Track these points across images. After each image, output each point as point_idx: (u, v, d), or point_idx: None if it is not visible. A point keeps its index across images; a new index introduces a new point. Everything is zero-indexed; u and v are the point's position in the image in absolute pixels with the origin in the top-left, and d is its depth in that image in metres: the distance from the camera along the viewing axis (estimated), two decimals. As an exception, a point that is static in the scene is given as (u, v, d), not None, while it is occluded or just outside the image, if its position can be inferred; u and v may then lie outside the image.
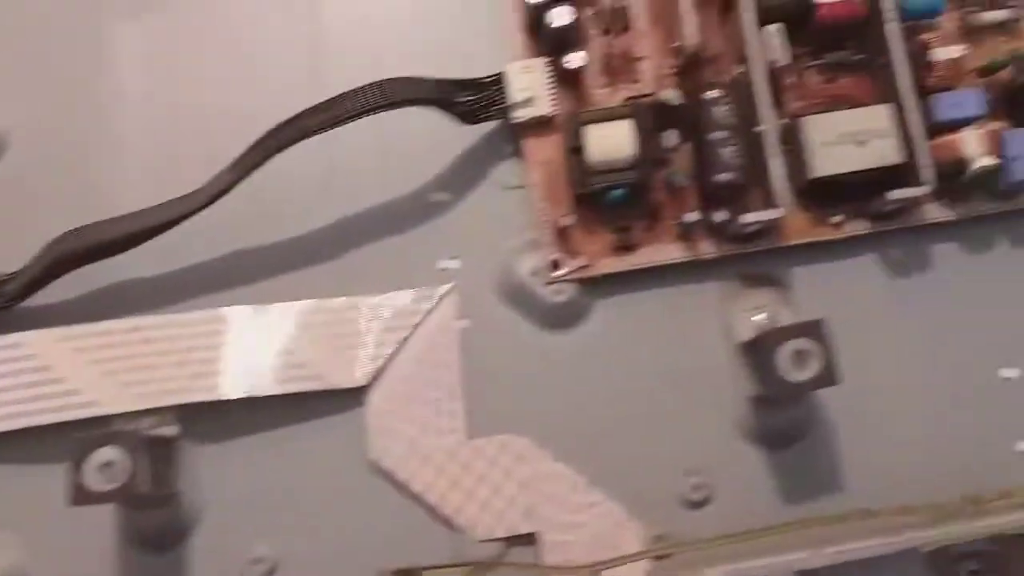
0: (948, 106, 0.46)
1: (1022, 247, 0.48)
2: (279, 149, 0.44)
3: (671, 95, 0.46)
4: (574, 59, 0.46)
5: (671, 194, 0.47)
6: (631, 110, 0.46)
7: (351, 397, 0.47)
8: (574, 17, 0.46)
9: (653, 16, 0.49)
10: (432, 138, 0.48)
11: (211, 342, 0.46)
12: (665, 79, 0.48)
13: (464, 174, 0.49)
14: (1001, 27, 0.49)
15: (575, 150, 0.45)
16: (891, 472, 0.46)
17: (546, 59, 0.47)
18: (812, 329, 0.42)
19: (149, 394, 0.45)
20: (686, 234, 0.47)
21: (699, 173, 0.46)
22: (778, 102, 0.48)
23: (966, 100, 0.46)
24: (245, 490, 0.46)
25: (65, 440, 0.42)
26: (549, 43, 0.48)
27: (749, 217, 0.45)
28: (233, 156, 0.45)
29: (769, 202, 0.45)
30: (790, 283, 0.48)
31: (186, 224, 0.46)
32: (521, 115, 0.47)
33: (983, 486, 0.46)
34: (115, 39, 0.51)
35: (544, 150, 0.47)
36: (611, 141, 0.45)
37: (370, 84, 0.44)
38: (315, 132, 0.44)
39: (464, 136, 0.49)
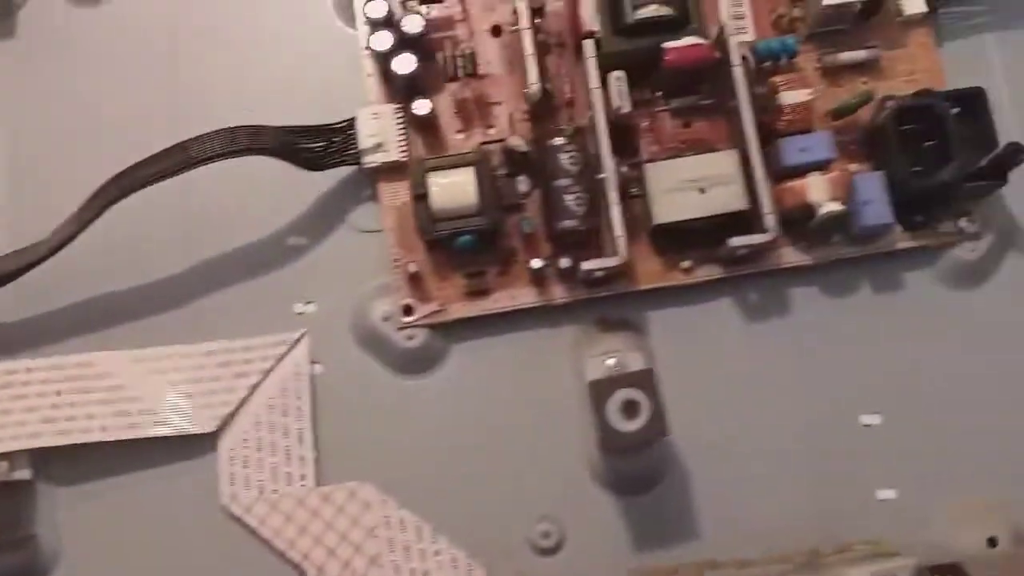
0: (796, 150, 0.45)
1: (880, 291, 0.48)
2: (117, 199, 0.44)
3: (517, 142, 0.46)
4: (420, 106, 0.47)
5: (523, 240, 0.47)
6: (475, 157, 0.46)
7: (204, 442, 0.47)
8: (416, 65, 0.46)
9: (508, 61, 0.49)
10: (291, 182, 0.48)
11: (63, 387, 0.47)
12: (519, 125, 0.48)
13: (322, 218, 0.49)
14: (861, 67, 0.48)
15: (420, 197, 0.45)
16: (748, 521, 0.46)
17: (396, 105, 0.47)
18: (642, 379, 0.42)
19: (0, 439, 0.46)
20: (539, 279, 0.47)
21: (546, 219, 0.46)
22: (634, 148, 0.48)
23: (814, 144, 0.45)
24: (101, 534, 0.47)
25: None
26: (401, 90, 0.48)
27: (590, 264, 0.45)
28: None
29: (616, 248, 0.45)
30: (646, 328, 0.48)
31: (39, 271, 0.46)
32: (370, 161, 0.47)
33: (843, 535, 0.46)
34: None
35: (397, 195, 0.47)
36: (454, 188, 0.45)
37: (210, 133, 0.45)
38: (153, 181, 0.44)
39: (323, 180, 0.49)
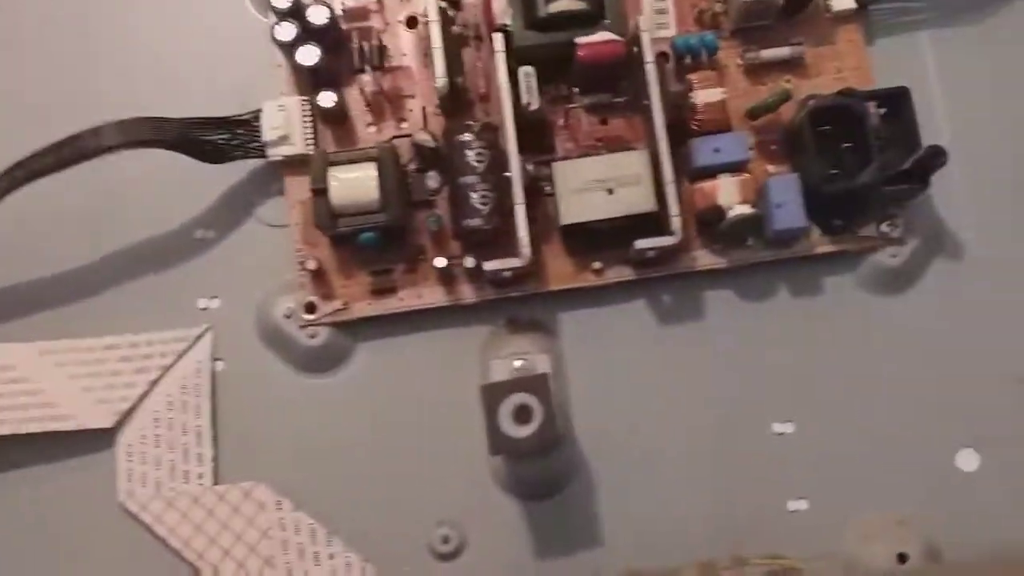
0: (709, 151, 0.44)
1: (798, 296, 0.46)
2: (10, 190, 0.43)
3: (424, 137, 0.45)
4: (325, 98, 0.45)
5: (432, 238, 0.46)
6: (378, 152, 0.44)
7: (103, 438, 0.46)
8: (320, 57, 0.45)
9: (424, 54, 0.47)
10: (199, 173, 0.47)
11: (-40, 379, 0.46)
12: (432, 119, 0.47)
13: (229, 211, 0.48)
14: (786, 65, 0.47)
15: (320, 192, 0.44)
16: (655, 528, 0.45)
17: (303, 98, 0.46)
18: (536, 384, 0.41)
19: None
20: (447, 278, 0.46)
21: (453, 217, 0.45)
22: (550, 145, 0.47)
23: (728, 144, 0.44)
24: (-1, 529, 0.46)
25: None
26: (309, 81, 0.46)
27: (492, 264, 0.43)
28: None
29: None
30: (556, 329, 0.46)
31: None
32: (274, 154, 0.46)
33: (753, 547, 0.44)
34: None
35: (303, 189, 0.46)
36: (356, 183, 0.44)
37: (107, 124, 0.44)
38: (47, 172, 0.43)
39: (231, 172, 0.48)
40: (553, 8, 0.45)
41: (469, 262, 0.44)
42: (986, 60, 0.48)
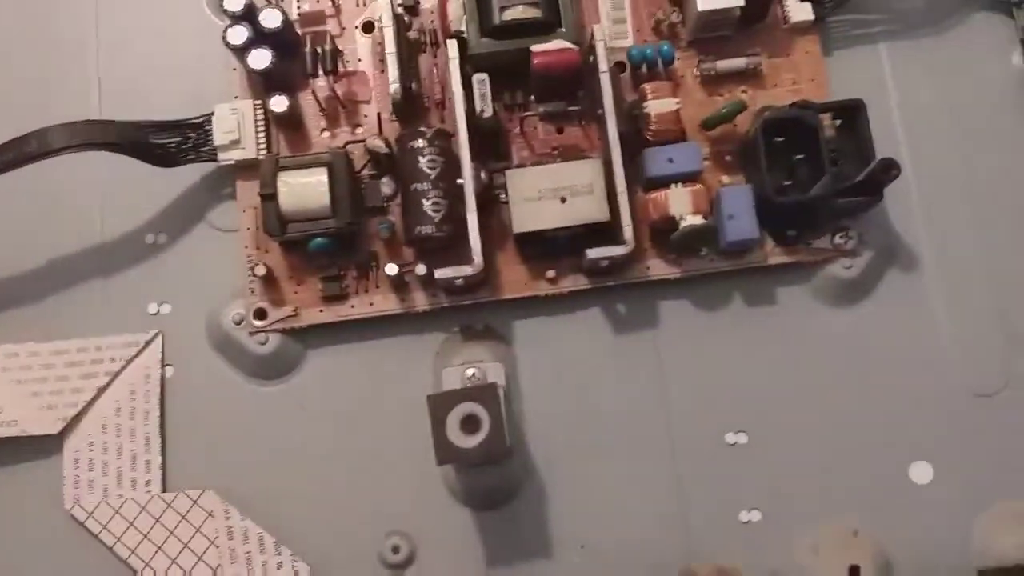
0: (663, 161, 0.44)
1: (752, 307, 0.46)
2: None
3: (376, 143, 0.45)
4: (277, 102, 0.45)
5: (384, 244, 0.46)
6: (329, 157, 0.44)
7: (50, 444, 0.45)
8: (271, 61, 0.44)
9: (380, 59, 0.47)
10: (150, 176, 0.46)
11: (-95, 384, 0.45)
12: (388, 125, 0.47)
13: (181, 215, 0.47)
14: (742, 76, 0.46)
15: (268, 197, 0.44)
16: (606, 539, 0.44)
17: (255, 102, 0.46)
18: (485, 394, 0.40)
19: None
20: (400, 285, 0.45)
21: (405, 224, 0.44)
22: (506, 152, 0.46)
23: (681, 155, 0.44)
24: (-61, 537, 0.45)
25: None
26: (261, 85, 0.46)
27: (443, 272, 0.43)
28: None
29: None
30: (510, 337, 0.46)
31: None
32: (226, 158, 0.45)
33: (705, 557, 0.44)
34: None
35: (255, 194, 0.46)
36: (306, 189, 0.44)
37: (54, 126, 0.43)
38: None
39: (184, 176, 0.47)
40: (508, 16, 0.45)
41: (420, 269, 0.44)
42: (941, 72, 0.48)
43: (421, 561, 0.44)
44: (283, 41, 0.45)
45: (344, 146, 0.46)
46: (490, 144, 0.46)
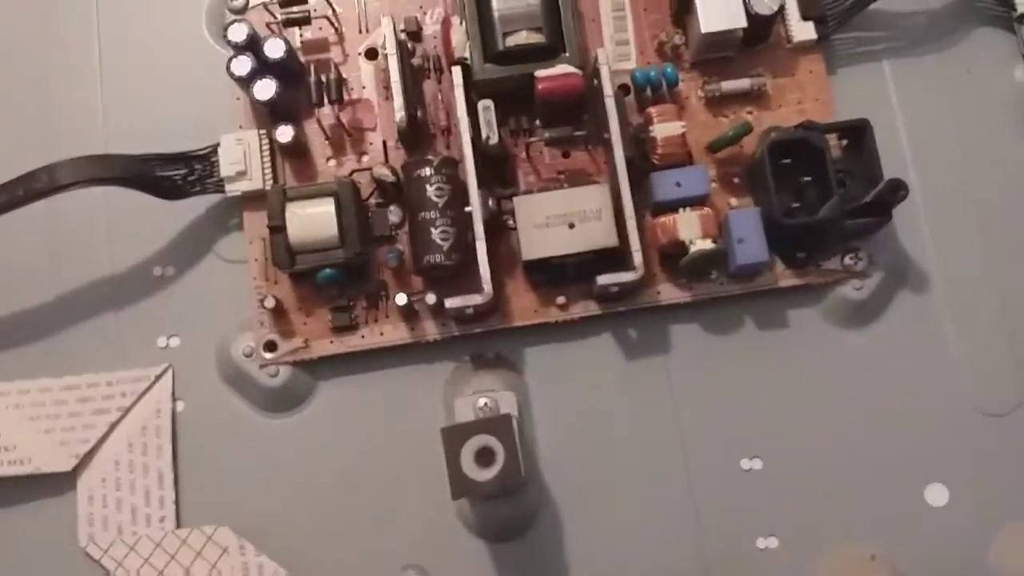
0: (670, 185, 0.44)
1: (763, 330, 0.46)
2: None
3: (383, 171, 0.45)
4: (283, 132, 0.45)
5: (392, 273, 0.45)
6: (336, 187, 0.44)
7: (63, 481, 0.45)
8: (275, 91, 0.44)
9: (384, 86, 0.47)
10: (157, 208, 0.46)
11: (-85, 424, 0.45)
12: (393, 152, 0.46)
13: (189, 247, 0.47)
14: (747, 97, 0.46)
15: (277, 229, 0.44)
16: (623, 568, 0.44)
17: (260, 132, 0.46)
18: (499, 426, 0.40)
19: None
20: (409, 314, 0.45)
21: (413, 253, 0.44)
22: (512, 178, 0.46)
23: (688, 178, 0.44)
24: (-48, 576, 0.45)
25: None
26: (266, 115, 0.46)
27: (454, 301, 0.43)
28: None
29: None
30: (521, 365, 0.46)
31: None
32: (233, 189, 0.45)
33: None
34: None
35: (262, 225, 0.45)
36: (314, 220, 0.44)
37: (61, 162, 0.43)
38: (0, 212, 0.43)
39: (190, 207, 0.47)
40: (511, 41, 0.44)
41: (430, 299, 0.44)
42: (945, 89, 0.48)
43: (436, 592, 0.44)
44: (287, 70, 0.45)
45: (350, 174, 0.46)
46: (496, 170, 0.46)
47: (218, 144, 0.46)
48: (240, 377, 0.46)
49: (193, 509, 0.45)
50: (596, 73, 0.44)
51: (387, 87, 0.47)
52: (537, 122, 0.46)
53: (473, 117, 0.44)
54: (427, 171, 0.44)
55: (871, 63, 0.48)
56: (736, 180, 0.46)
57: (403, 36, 0.46)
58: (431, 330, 0.45)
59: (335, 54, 0.47)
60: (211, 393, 0.46)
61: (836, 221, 0.43)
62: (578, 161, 0.46)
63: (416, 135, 0.46)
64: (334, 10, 0.47)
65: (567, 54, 0.44)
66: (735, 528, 0.44)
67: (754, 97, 0.46)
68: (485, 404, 0.44)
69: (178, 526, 0.45)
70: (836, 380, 0.45)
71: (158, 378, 0.46)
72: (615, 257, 0.43)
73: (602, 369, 0.46)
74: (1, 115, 0.49)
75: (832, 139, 0.44)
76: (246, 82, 0.45)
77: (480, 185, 0.43)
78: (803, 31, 0.46)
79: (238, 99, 0.47)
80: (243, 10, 0.48)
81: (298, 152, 0.46)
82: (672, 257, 0.44)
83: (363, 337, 0.45)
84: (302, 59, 0.47)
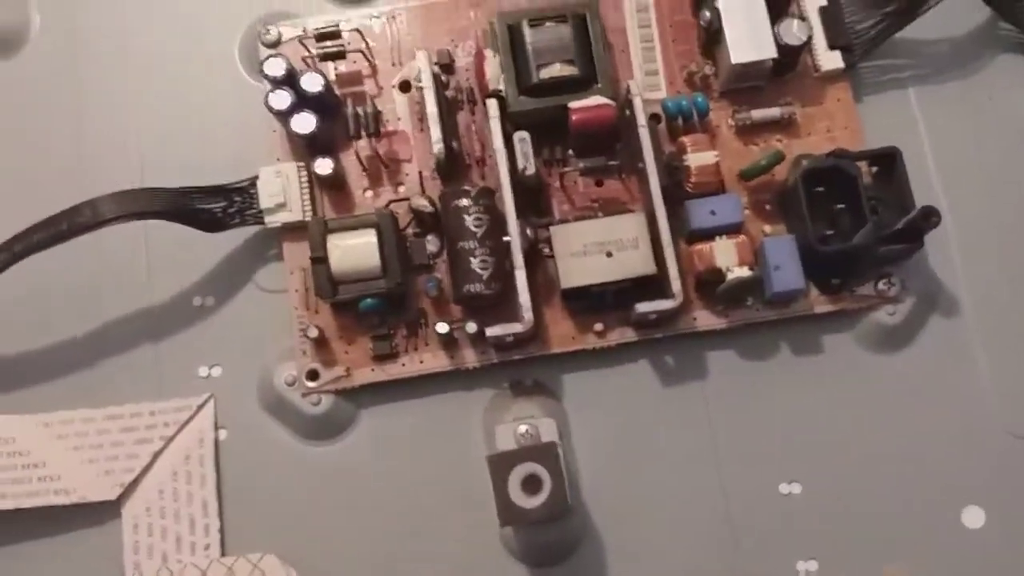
0: (705, 213, 0.44)
1: (798, 355, 0.46)
2: (7, 264, 0.43)
3: (421, 202, 0.45)
4: (322, 165, 0.45)
5: (431, 302, 0.46)
6: (376, 218, 0.45)
7: (107, 511, 0.46)
8: (315, 125, 0.45)
9: (418, 118, 0.48)
10: (196, 239, 0.47)
11: (-39, 454, 0.46)
12: (429, 183, 0.47)
13: (228, 277, 0.48)
14: (776, 125, 0.47)
15: (319, 260, 0.44)
16: (664, 593, 0.45)
17: (299, 164, 0.46)
18: (544, 453, 0.41)
19: None
20: (448, 342, 0.46)
21: (453, 282, 0.45)
22: (547, 207, 0.47)
23: (723, 206, 0.44)
24: (2, 604, 0.46)
25: None
26: (304, 148, 0.47)
27: (495, 330, 0.43)
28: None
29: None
30: (560, 392, 0.47)
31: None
32: (273, 221, 0.46)
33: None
34: None
35: (302, 255, 0.46)
36: (356, 250, 0.44)
37: (103, 197, 0.44)
38: (45, 246, 0.43)
39: (229, 238, 0.48)
40: (545, 74, 0.45)
41: (471, 327, 0.45)
42: (971, 115, 0.49)
43: (480, 618, 0.45)
44: (323, 103, 0.46)
45: (387, 205, 0.47)
46: (531, 199, 0.47)
47: (256, 177, 0.46)
48: (282, 406, 0.46)
49: (237, 537, 0.45)
50: (628, 104, 0.45)
51: (421, 119, 0.47)
52: (570, 152, 0.47)
53: (509, 148, 0.45)
54: (466, 201, 0.44)
55: (897, 90, 0.49)
56: (767, 207, 0.46)
57: (436, 69, 0.47)
58: (470, 358, 0.46)
59: (369, 87, 0.48)
60: (253, 422, 0.47)
61: (871, 248, 0.44)
62: (611, 190, 0.47)
63: (452, 166, 0.47)
64: (367, 44, 0.48)
65: (599, 85, 0.45)
66: (775, 552, 0.45)
67: (783, 125, 0.47)
68: (526, 431, 0.45)
69: (223, 555, 0.45)
70: (871, 404, 0.46)
71: (200, 407, 0.47)
72: (652, 284, 0.44)
73: (639, 395, 0.46)
74: (36, 149, 0.50)
75: (861, 166, 0.45)
76: (285, 116, 0.45)
77: (517, 215, 0.44)
78: (830, 60, 0.47)
79: (274, 131, 0.48)
80: (277, 44, 0.49)
81: (336, 184, 0.47)
82: (707, 284, 0.45)
83: (403, 365, 0.46)
84: (337, 92, 0.48)
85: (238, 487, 0.46)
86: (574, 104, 0.45)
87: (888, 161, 0.45)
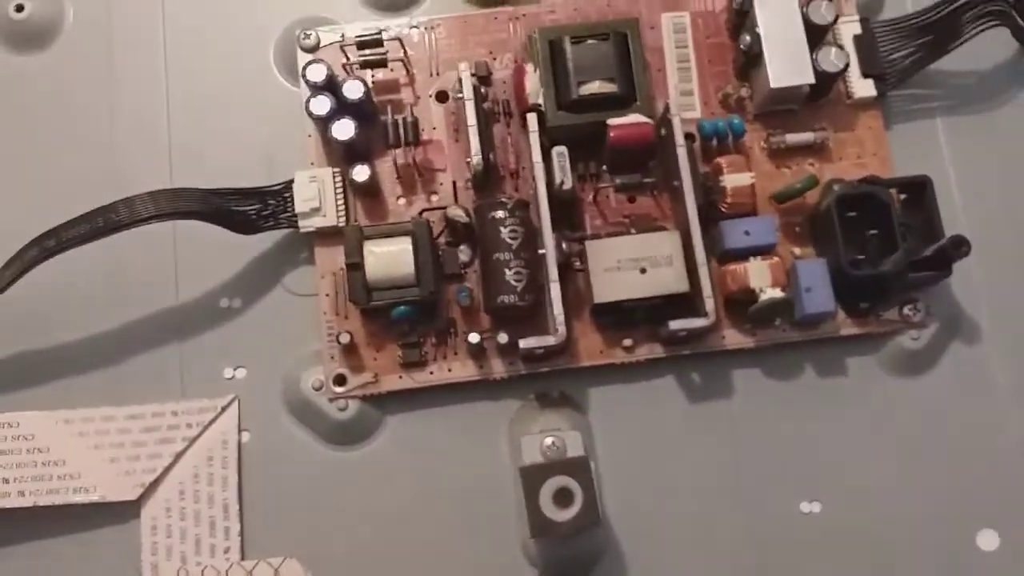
0: (739, 233, 0.45)
1: (823, 377, 0.47)
2: (39, 260, 0.43)
3: (457, 212, 0.45)
4: (359, 172, 0.46)
5: (462, 311, 0.46)
6: (412, 226, 0.45)
7: (126, 510, 0.45)
8: (355, 132, 0.45)
9: (454, 128, 0.48)
10: (226, 241, 0.47)
11: (-18, 450, 0.45)
12: (463, 193, 0.47)
13: (257, 279, 0.48)
14: (809, 149, 0.48)
15: (354, 266, 0.44)
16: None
17: (334, 170, 0.46)
18: (577, 467, 0.41)
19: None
20: (477, 352, 0.46)
21: (485, 292, 0.45)
22: (579, 221, 0.47)
23: (757, 228, 0.45)
24: (17, 601, 0.45)
25: None
26: (341, 154, 0.47)
27: (528, 342, 0.44)
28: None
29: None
30: (586, 405, 0.47)
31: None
32: (307, 225, 0.46)
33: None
34: None
35: (333, 260, 0.46)
36: (391, 258, 0.44)
37: (138, 196, 0.43)
38: (77, 243, 0.43)
39: (259, 240, 0.47)
40: (585, 90, 0.46)
41: (502, 338, 0.45)
42: (996, 148, 0.49)
43: (500, 629, 0.45)
44: (362, 111, 0.46)
45: (420, 214, 0.47)
46: (564, 213, 0.47)
47: (292, 181, 0.46)
48: (308, 410, 0.46)
49: (258, 540, 0.45)
50: (665, 122, 0.45)
51: (457, 129, 0.48)
52: (604, 167, 0.47)
53: (547, 162, 0.45)
54: (502, 213, 0.45)
55: (925, 120, 0.49)
56: (798, 229, 0.47)
57: (475, 81, 0.47)
58: (498, 368, 0.46)
59: (406, 95, 0.48)
60: (277, 425, 0.46)
61: (901, 274, 0.44)
62: (644, 206, 0.47)
63: (486, 177, 0.47)
64: (407, 53, 0.48)
65: (638, 103, 0.46)
66: (795, 570, 0.45)
67: (816, 150, 0.48)
68: (552, 443, 0.45)
69: (243, 558, 0.45)
70: (891, 426, 0.46)
71: (224, 409, 0.46)
72: (682, 302, 0.45)
73: (665, 411, 0.47)
74: (69, 150, 0.49)
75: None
76: (325, 121, 0.45)
77: (552, 229, 0.44)
78: (863, 88, 0.48)
79: (309, 136, 0.48)
80: (315, 48, 0.49)
81: (371, 191, 0.47)
82: (738, 303, 0.46)
83: (432, 373, 0.46)
84: (375, 99, 0.48)
85: (260, 490, 0.46)
86: (613, 121, 0.45)
87: (918, 189, 0.46)
